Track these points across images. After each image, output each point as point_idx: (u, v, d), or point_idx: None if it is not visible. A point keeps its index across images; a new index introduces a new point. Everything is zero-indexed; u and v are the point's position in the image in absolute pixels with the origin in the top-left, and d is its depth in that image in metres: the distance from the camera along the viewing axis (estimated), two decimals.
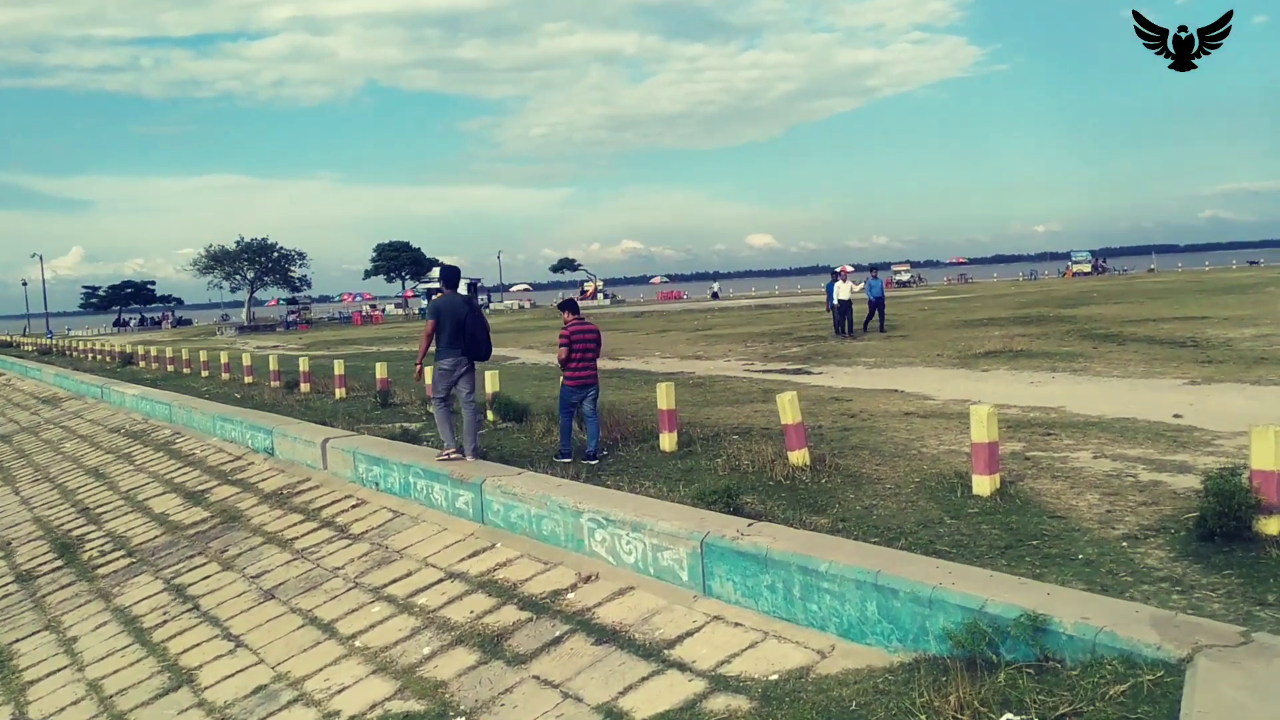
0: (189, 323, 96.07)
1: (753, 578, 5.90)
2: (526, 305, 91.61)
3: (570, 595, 6.78)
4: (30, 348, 53.80)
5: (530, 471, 8.62)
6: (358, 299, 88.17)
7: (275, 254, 73.39)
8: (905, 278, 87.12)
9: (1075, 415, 11.94)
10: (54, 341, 56.69)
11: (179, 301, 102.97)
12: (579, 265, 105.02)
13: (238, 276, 72.86)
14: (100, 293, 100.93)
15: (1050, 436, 10.58)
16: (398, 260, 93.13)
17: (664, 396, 10.78)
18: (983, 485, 7.69)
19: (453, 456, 9.72)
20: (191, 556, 9.76)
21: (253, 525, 10.24)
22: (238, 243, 72.20)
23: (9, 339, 66.39)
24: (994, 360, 18.73)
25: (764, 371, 19.74)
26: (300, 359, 21.20)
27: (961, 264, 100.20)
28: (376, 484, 10.22)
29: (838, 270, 28.92)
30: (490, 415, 13.63)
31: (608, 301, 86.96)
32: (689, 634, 6.00)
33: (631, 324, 43.69)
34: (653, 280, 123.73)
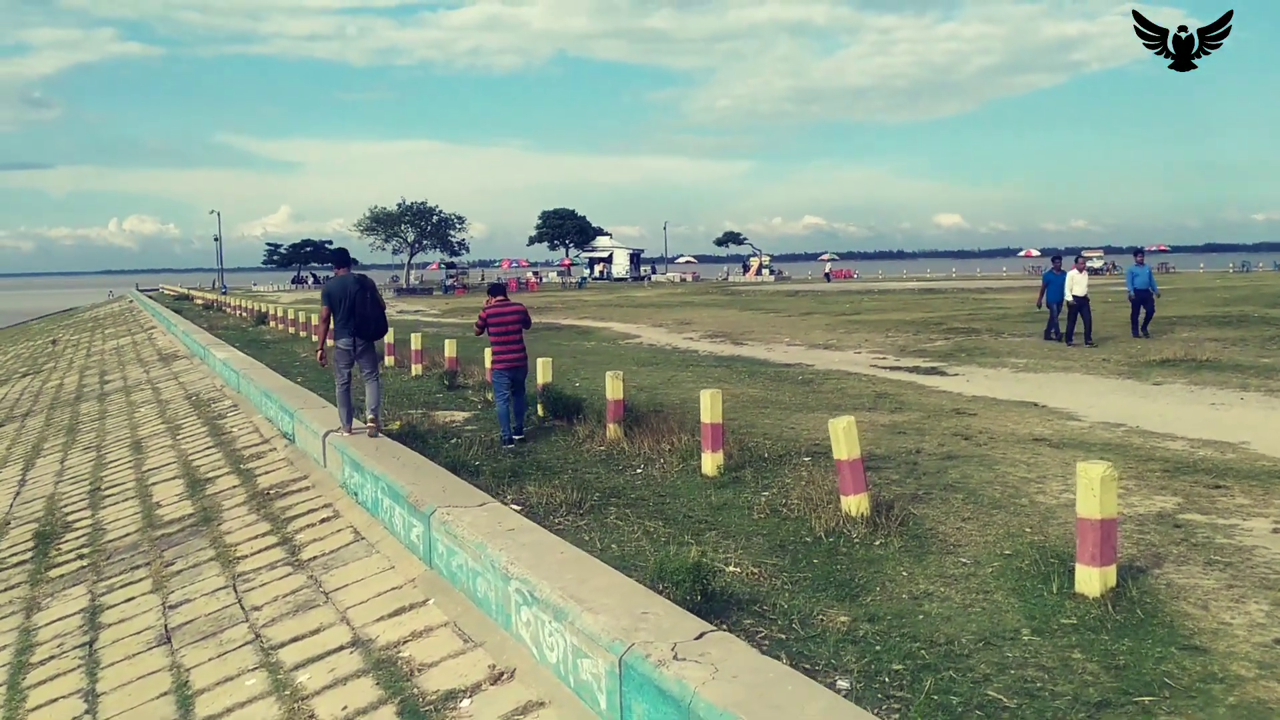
0: None
1: None
2: (688, 278, 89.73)
3: (465, 704, 4.87)
4: (199, 302, 55.79)
5: (495, 502, 6.74)
6: (514, 265, 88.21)
7: (435, 218, 73.90)
8: (1098, 264, 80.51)
9: (1261, 458, 9.17)
10: (223, 296, 58.70)
11: (355, 261, 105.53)
12: (744, 239, 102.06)
13: (398, 239, 73.85)
14: (282, 250, 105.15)
15: (1219, 490, 7.96)
16: (563, 228, 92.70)
17: (709, 406, 8.69)
18: (1090, 581, 5.31)
19: (338, 429, 9.77)
20: (136, 568, 8.37)
21: (218, 532, 8.78)
22: (399, 205, 73.11)
23: (186, 291, 69.52)
24: (1171, 371, 15.63)
25: (892, 369, 17.24)
26: (414, 333, 19.96)
27: (1163, 251, 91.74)
28: (356, 494, 8.59)
29: (1062, 256, 22.54)
30: (539, 410, 11.83)
31: (772, 278, 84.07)
32: None
33: (781, 304, 41.19)
34: (822, 258, 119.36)
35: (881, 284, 68.13)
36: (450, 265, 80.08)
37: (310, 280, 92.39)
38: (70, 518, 10.71)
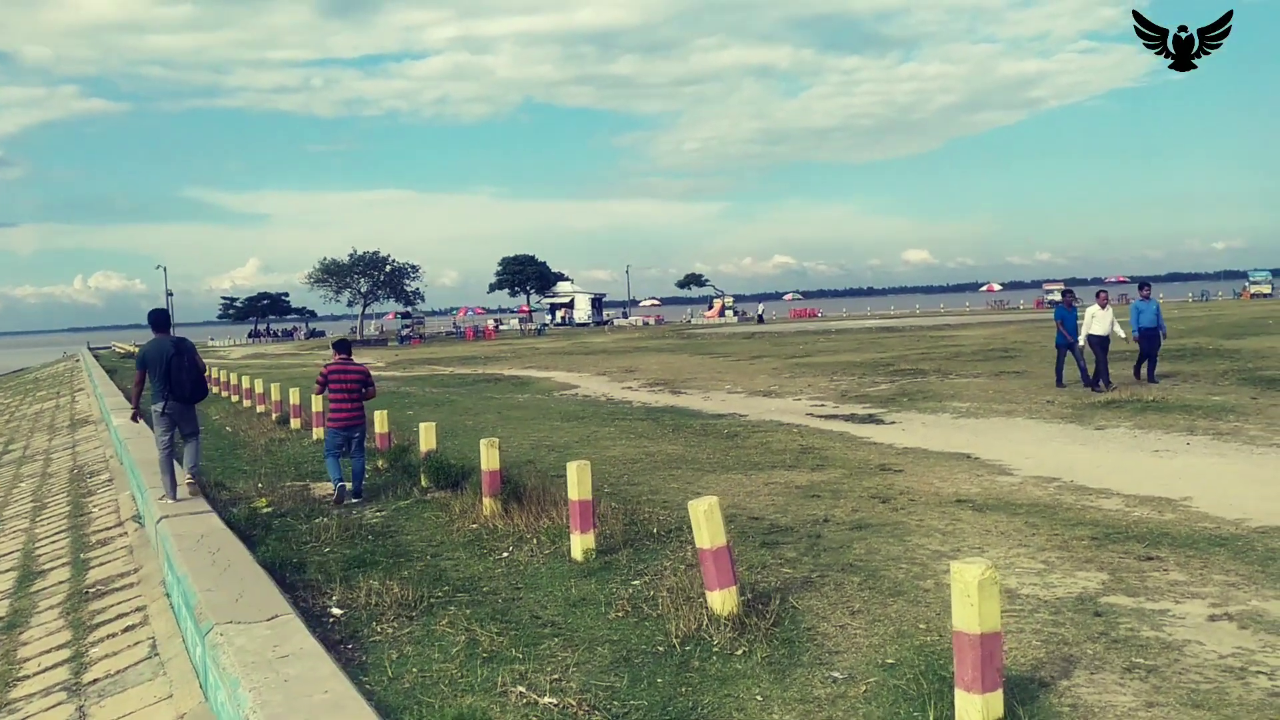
0: (323, 334, 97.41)
1: None
2: (651, 321, 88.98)
3: None
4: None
5: (288, 615, 5.64)
6: (470, 313, 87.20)
7: (389, 267, 72.91)
8: (1056, 297, 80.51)
9: (1202, 519, 8.23)
10: None
11: (312, 314, 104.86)
12: (706, 280, 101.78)
13: (351, 290, 72.73)
14: (238, 304, 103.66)
15: (1151, 562, 7.00)
16: (523, 273, 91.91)
17: (576, 480, 7.63)
18: (970, 712, 4.27)
19: (162, 499, 9.49)
20: None
21: (14, 643, 7.59)
22: (350, 255, 72.03)
23: (133, 349, 67.77)
24: (1116, 413, 14.75)
25: (828, 417, 16.28)
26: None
27: (1122, 282, 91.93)
28: (169, 595, 7.46)
29: (1070, 292, 20.11)
30: (422, 480, 10.73)
31: (735, 319, 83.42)
32: None
33: (733, 347, 40.31)
34: (785, 297, 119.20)
35: (843, 323, 67.60)
36: (406, 315, 78.94)
37: (267, 333, 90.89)
38: None
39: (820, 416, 16.45)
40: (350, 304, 74.58)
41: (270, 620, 5.59)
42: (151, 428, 9.84)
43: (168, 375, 9.66)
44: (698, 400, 20.33)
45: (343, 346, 11.35)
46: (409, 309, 78.93)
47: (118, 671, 6.50)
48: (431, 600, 6.74)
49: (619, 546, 7.84)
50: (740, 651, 5.44)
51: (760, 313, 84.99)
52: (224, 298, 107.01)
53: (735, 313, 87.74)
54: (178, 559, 7.17)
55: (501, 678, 5.06)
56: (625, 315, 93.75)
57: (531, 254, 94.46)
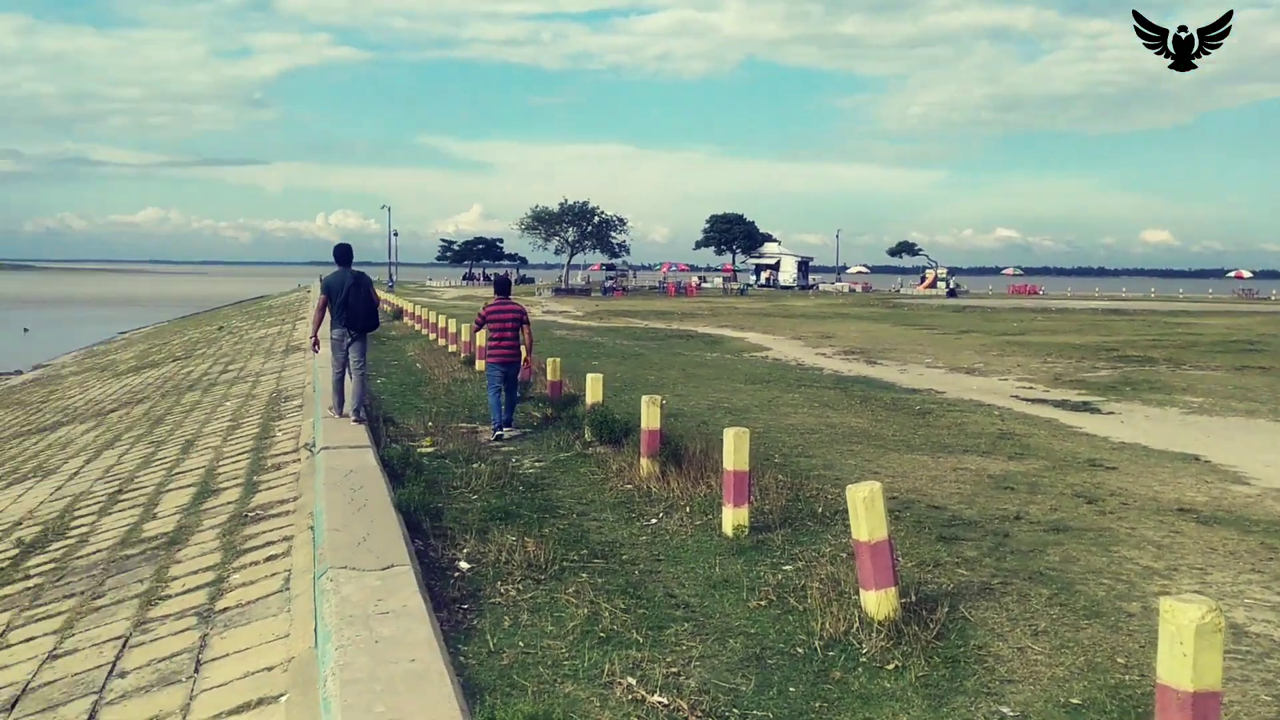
0: (531, 280, 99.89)
1: None
2: (858, 288, 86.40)
3: None
4: None
5: (403, 567, 5.27)
6: (673, 269, 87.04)
7: (596, 218, 73.51)
8: None
9: None
10: (387, 291, 59.92)
11: (523, 260, 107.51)
12: (919, 250, 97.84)
13: (559, 239, 73.81)
14: (455, 247, 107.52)
15: None
16: (730, 233, 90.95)
17: (732, 449, 6.97)
18: None
19: (328, 412, 10.86)
20: (69, 597, 7.34)
21: (169, 561, 7.68)
22: (561, 205, 73.05)
23: None
24: None
25: (1036, 401, 14.92)
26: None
27: None
28: (313, 528, 7.33)
29: None
30: (586, 433, 10.34)
31: (946, 292, 79.80)
32: None
33: (941, 320, 38.33)
34: (1005, 271, 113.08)
35: (1065, 302, 63.40)
36: (610, 267, 79.62)
37: (480, 277, 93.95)
38: (73, 524, 9.91)
39: (1027, 400, 15.09)
40: (558, 252, 75.94)
41: (384, 570, 5.26)
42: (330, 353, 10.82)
43: (345, 305, 10.45)
44: (893, 372, 19.19)
45: (502, 287, 12.01)
46: (614, 261, 79.66)
47: (248, 602, 6.38)
48: (564, 564, 6.27)
49: (776, 525, 7.15)
50: (892, 665, 4.69)
51: (952, 285, 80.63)
52: (443, 240, 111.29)
53: (949, 286, 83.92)
54: (321, 492, 7.02)
55: (612, 664, 4.51)
56: (839, 279, 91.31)
57: (740, 213, 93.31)
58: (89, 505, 10.65)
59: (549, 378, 13.00)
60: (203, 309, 71.50)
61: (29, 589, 7.85)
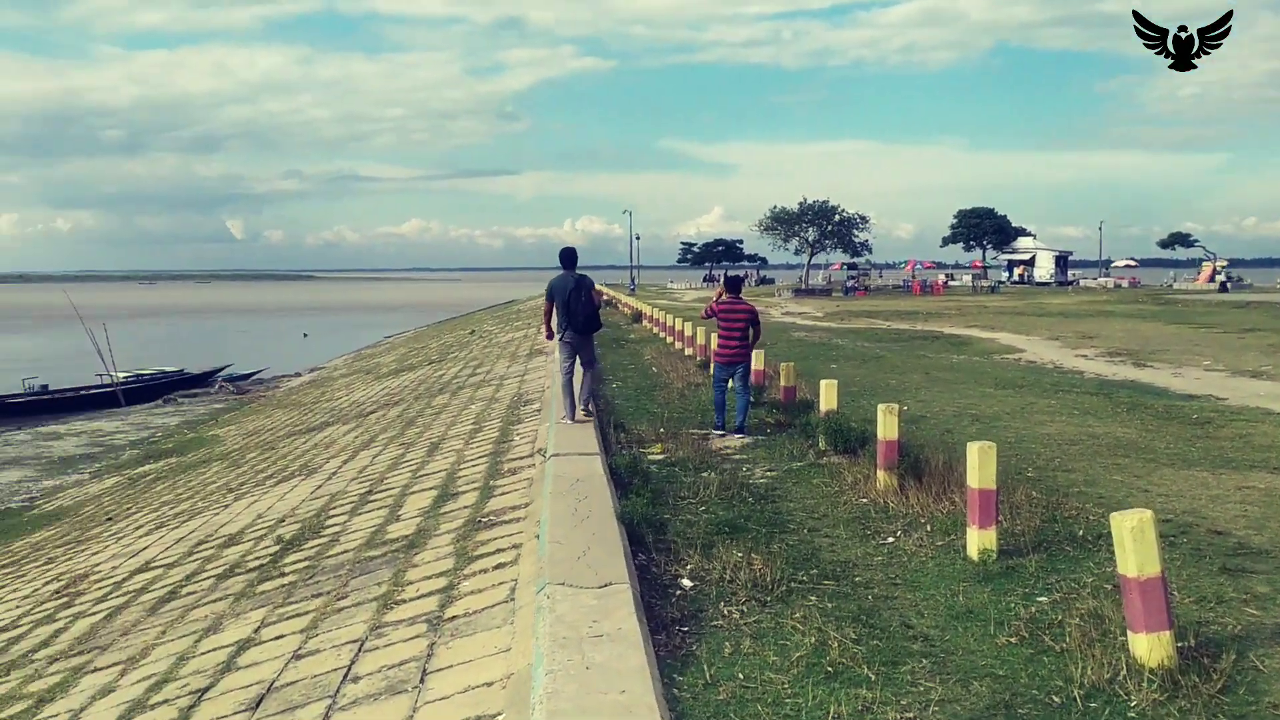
0: (771, 281, 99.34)
1: None
2: (1124, 283, 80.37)
3: None
4: (604, 298, 58.36)
5: (623, 586, 5.07)
6: (918, 267, 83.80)
7: (837, 217, 72.05)
8: None
9: None
10: (629, 295, 61.12)
11: (763, 261, 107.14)
12: (1195, 241, 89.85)
13: (798, 239, 72.87)
14: (695, 249, 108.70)
15: None
16: (979, 228, 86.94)
17: (977, 464, 6.37)
18: None
19: (561, 419, 11.04)
20: (318, 596, 7.66)
21: (407, 564, 7.88)
22: (800, 204, 72.07)
23: (598, 288, 73.12)
24: None
25: None
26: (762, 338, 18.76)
27: None
28: (538, 537, 7.29)
29: None
30: (820, 442, 9.90)
31: (1218, 286, 72.78)
32: None
33: (1221, 317, 34.90)
34: None
35: None
36: (852, 266, 77.95)
37: (720, 279, 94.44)
38: (328, 523, 10.47)
39: None
40: (797, 252, 75.15)
41: (601, 588, 5.09)
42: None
43: (567, 307, 10.83)
44: (1165, 376, 17.50)
45: (733, 285, 12.01)
46: (855, 260, 77.93)
47: (475, 611, 6.40)
48: (793, 584, 5.91)
49: (1028, 549, 6.49)
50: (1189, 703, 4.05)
51: (1226, 278, 72.83)
52: (683, 242, 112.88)
53: (1228, 279, 76.55)
54: (547, 501, 6.99)
55: (839, 705, 4.13)
56: (1105, 274, 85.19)
57: (991, 207, 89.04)
58: (342, 505, 11.24)
59: (782, 383, 12.63)
60: (458, 314, 75.67)
61: (284, 586, 8.30)
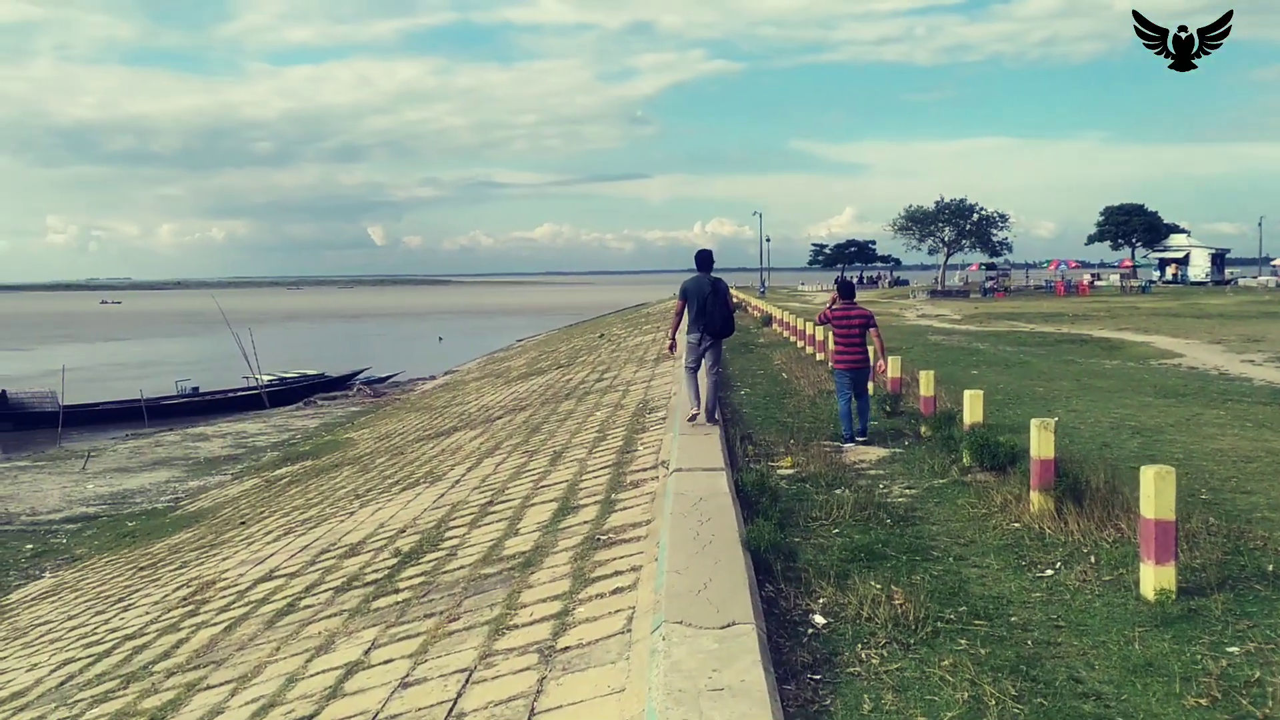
0: (905, 283, 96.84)
1: None
2: None
3: None
4: (734, 300, 57.68)
5: (747, 628, 4.54)
6: (1062, 266, 79.95)
7: (975, 216, 69.41)
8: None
9: None
10: (759, 298, 60.34)
11: (897, 262, 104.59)
12: None
13: (934, 239, 70.52)
14: (826, 250, 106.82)
15: None
16: (1127, 225, 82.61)
17: (1153, 491, 5.60)
18: None
19: (692, 415, 11.09)
20: (430, 616, 7.35)
21: (522, 585, 7.50)
22: (936, 202, 69.77)
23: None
24: None
25: None
26: (895, 344, 17.98)
27: None
28: (657, 560, 6.81)
29: None
30: (965, 457, 9.16)
31: None
32: None
33: None
34: None
35: None
36: (990, 266, 75.13)
37: (855, 279, 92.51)
38: (447, 534, 10.24)
39: None
40: (933, 252, 72.84)
41: (723, 629, 4.58)
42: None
43: (702, 310, 10.75)
44: None
45: (846, 290, 11.93)
46: (995, 260, 75.03)
47: (589, 643, 5.96)
48: (939, 624, 5.28)
49: (1212, 587, 5.69)
50: None
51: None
52: (814, 244, 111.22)
53: None
54: (666, 523, 6.52)
55: None
56: (1273, 271, 79.83)
57: (1140, 203, 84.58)
58: (463, 516, 11.01)
59: (922, 392, 11.86)
60: (588, 317, 76.12)
61: (398, 604, 8.04)
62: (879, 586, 5.75)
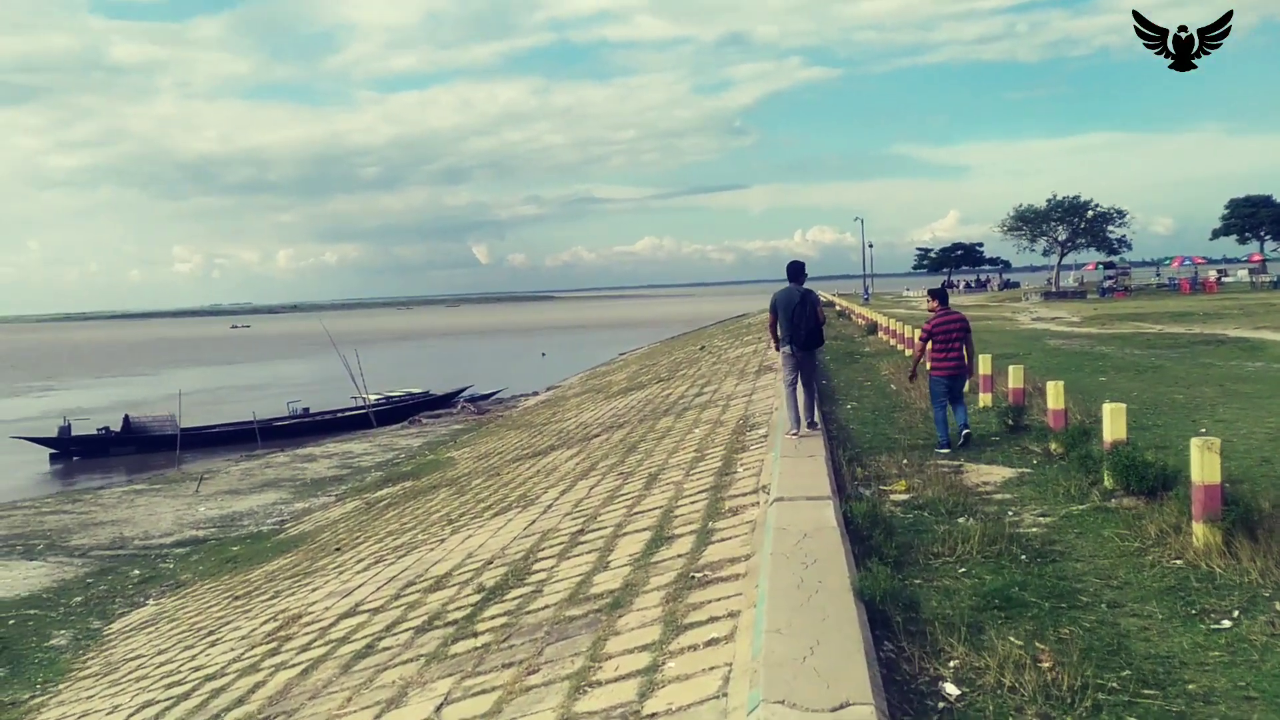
0: (1016, 285, 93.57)
1: None
2: None
3: None
4: (837, 309, 56.31)
5: (865, 710, 3.72)
6: (1185, 263, 75.71)
7: (1090, 213, 66.29)
8: None
9: None
10: (863, 305, 58.78)
11: (1006, 264, 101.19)
12: None
13: (1047, 238, 67.61)
14: (931, 254, 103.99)
15: None
16: (1255, 218, 78.02)
17: None
18: None
19: (789, 433, 10.91)
20: (508, 666, 6.67)
21: (608, 631, 6.77)
22: (1048, 201, 66.88)
23: (829, 299, 70.96)
24: None
25: None
26: (1015, 350, 16.84)
27: None
28: (758, 605, 6.00)
29: None
30: (1106, 480, 8.11)
31: None
32: None
33: None
34: None
35: None
36: (1109, 265, 71.75)
37: (961, 285, 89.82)
38: (534, 567, 9.60)
39: None
40: (1046, 253, 69.88)
41: (835, 712, 3.76)
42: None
43: (790, 321, 10.75)
44: None
45: (941, 296, 11.67)
46: (1112, 259, 71.63)
47: (678, 709, 5.19)
48: (1099, 696, 4.36)
49: None
50: None
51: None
52: (918, 249, 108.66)
53: None
54: (766, 566, 5.72)
55: None
56: None
57: (1268, 194, 79.89)
58: (553, 545, 10.36)
59: (1049, 405, 10.76)
60: (690, 329, 75.37)
61: (476, 649, 7.39)
62: (1020, 644, 4.86)
